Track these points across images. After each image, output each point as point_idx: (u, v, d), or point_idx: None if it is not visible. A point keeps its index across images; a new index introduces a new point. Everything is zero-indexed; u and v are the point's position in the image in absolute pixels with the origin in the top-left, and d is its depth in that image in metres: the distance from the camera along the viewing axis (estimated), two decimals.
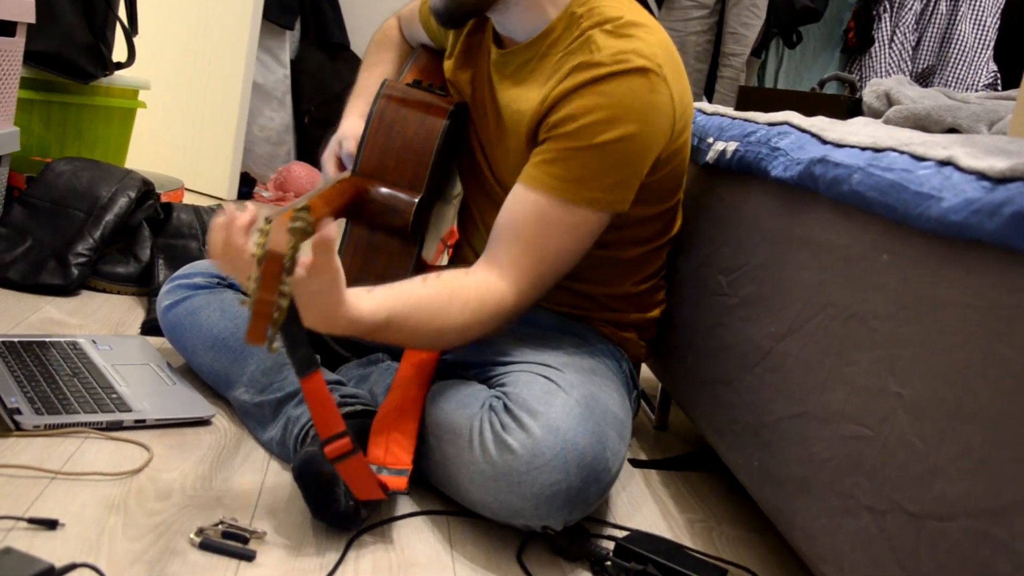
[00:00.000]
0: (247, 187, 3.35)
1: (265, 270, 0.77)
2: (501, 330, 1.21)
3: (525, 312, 1.22)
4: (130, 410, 1.24)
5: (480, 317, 1.14)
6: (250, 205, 0.97)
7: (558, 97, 1.17)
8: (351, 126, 1.44)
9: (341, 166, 1.41)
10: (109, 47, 2.31)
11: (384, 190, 1.27)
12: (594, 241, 1.21)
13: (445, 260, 1.56)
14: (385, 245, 1.27)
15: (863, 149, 0.94)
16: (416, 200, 1.26)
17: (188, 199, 2.87)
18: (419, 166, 1.28)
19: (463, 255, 1.47)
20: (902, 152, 0.87)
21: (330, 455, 0.97)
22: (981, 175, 0.73)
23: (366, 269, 1.27)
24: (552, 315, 1.36)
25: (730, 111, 1.43)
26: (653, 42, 1.18)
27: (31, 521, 0.95)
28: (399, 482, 1.09)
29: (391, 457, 1.12)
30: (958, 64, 3.41)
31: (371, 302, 1.03)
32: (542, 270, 1.18)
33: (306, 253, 0.88)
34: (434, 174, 1.30)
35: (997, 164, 0.72)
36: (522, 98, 1.24)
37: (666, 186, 1.29)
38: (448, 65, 1.40)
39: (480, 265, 1.20)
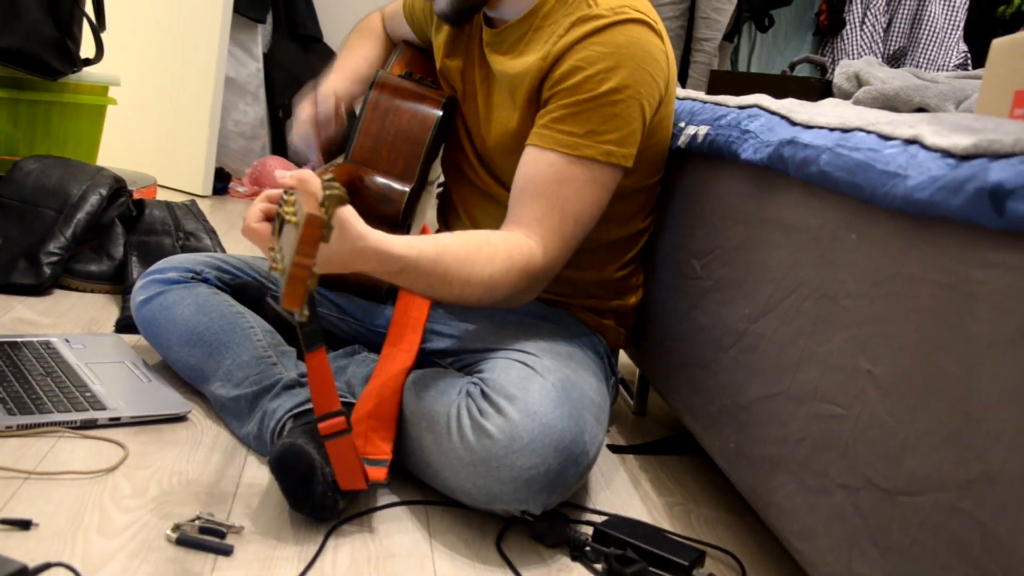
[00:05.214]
0: (222, 182, 3.32)
1: (305, 234, 0.78)
2: (530, 293, 1.20)
3: (555, 274, 1.22)
4: (104, 408, 1.23)
5: (508, 272, 1.13)
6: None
7: (561, 51, 1.19)
8: (330, 82, 1.44)
9: (314, 106, 1.41)
10: (76, 43, 2.28)
11: (377, 179, 1.28)
12: (610, 198, 1.22)
13: None
14: None
15: (831, 130, 0.94)
16: (408, 189, 1.27)
17: (162, 195, 2.85)
18: (412, 156, 1.29)
19: None
20: (869, 132, 0.87)
21: (323, 431, 0.98)
22: (946, 152, 0.74)
23: None
24: (532, 302, 1.37)
25: (701, 95, 1.43)
26: (646, 4, 1.24)
27: (3, 522, 0.94)
28: (379, 472, 1.09)
29: (371, 447, 1.13)
30: (929, 45, 3.43)
31: (400, 240, 1.03)
32: (565, 229, 1.19)
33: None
34: (425, 165, 1.30)
35: (961, 141, 0.72)
36: (521, 63, 1.25)
37: (651, 159, 1.31)
38: (437, 56, 1.41)
39: (505, 227, 1.20)
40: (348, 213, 0.97)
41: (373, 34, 1.61)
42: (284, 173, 0.96)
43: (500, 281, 1.13)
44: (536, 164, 1.19)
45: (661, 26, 1.23)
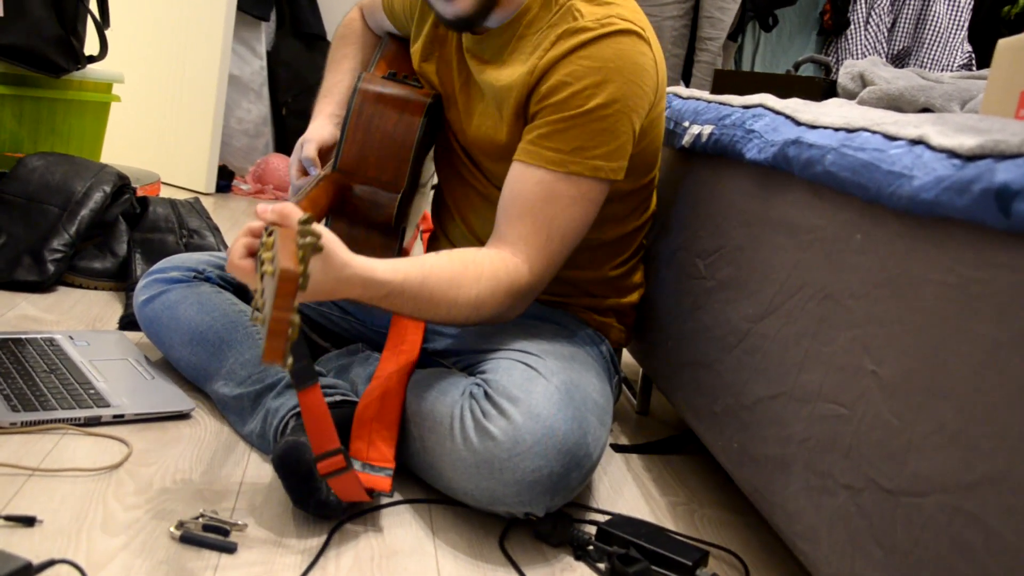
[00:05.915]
0: (225, 180, 3.32)
1: (280, 289, 0.76)
2: (517, 311, 1.19)
3: (541, 291, 1.21)
4: (108, 405, 1.24)
5: (495, 292, 1.13)
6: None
7: (547, 66, 1.17)
8: (316, 129, 1.43)
9: (304, 172, 1.40)
10: (80, 40, 2.28)
11: (366, 186, 1.26)
12: (598, 212, 1.21)
13: (421, 248, 1.55)
14: (367, 239, 1.26)
15: (836, 130, 0.94)
16: (398, 195, 1.25)
17: (165, 193, 2.85)
18: (400, 161, 1.27)
19: (439, 247, 1.46)
20: (874, 132, 0.87)
21: (323, 471, 0.99)
22: (951, 153, 0.73)
23: None
24: (532, 303, 1.36)
25: (706, 95, 1.43)
26: (633, 8, 1.21)
27: (8, 519, 0.94)
28: (383, 483, 1.09)
29: (374, 452, 1.12)
30: (933, 45, 3.43)
31: (385, 265, 1.03)
32: (552, 247, 1.18)
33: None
34: (415, 167, 1.29)
35: (967, 142, 0.72)
36: (506, 74, 1.23)
37: (644, 160, 1.29)
38: (415, 57, 1.39)
39: (491, 244, 1.19)
40: (331, 241, 0.95)
41: (354, 38, 1.57)
42: (265, 207, 0.95)
43: (487, 301, 1.12)
44: (524, 181, 1.17)
45: (650, 32, 1.21)
